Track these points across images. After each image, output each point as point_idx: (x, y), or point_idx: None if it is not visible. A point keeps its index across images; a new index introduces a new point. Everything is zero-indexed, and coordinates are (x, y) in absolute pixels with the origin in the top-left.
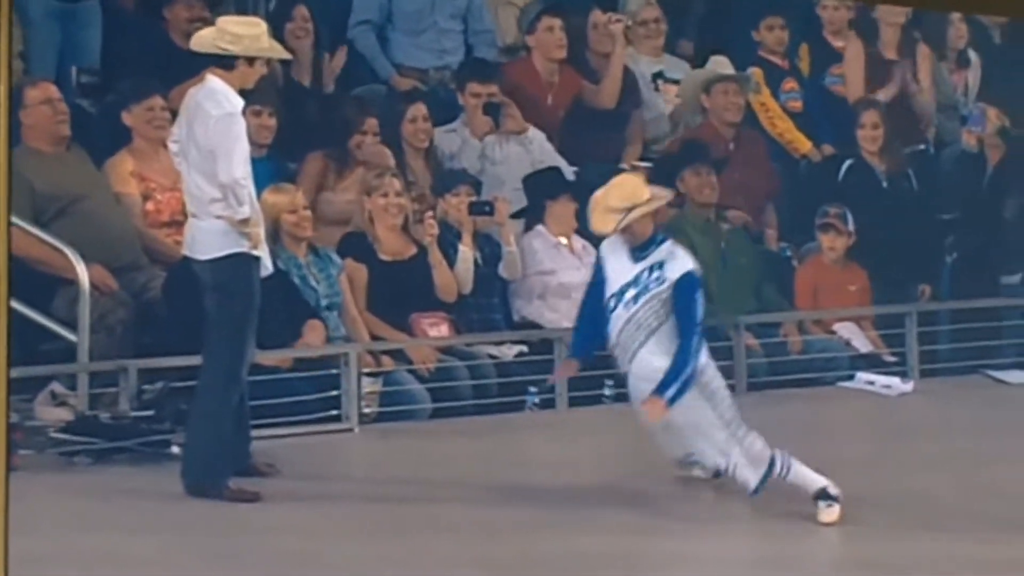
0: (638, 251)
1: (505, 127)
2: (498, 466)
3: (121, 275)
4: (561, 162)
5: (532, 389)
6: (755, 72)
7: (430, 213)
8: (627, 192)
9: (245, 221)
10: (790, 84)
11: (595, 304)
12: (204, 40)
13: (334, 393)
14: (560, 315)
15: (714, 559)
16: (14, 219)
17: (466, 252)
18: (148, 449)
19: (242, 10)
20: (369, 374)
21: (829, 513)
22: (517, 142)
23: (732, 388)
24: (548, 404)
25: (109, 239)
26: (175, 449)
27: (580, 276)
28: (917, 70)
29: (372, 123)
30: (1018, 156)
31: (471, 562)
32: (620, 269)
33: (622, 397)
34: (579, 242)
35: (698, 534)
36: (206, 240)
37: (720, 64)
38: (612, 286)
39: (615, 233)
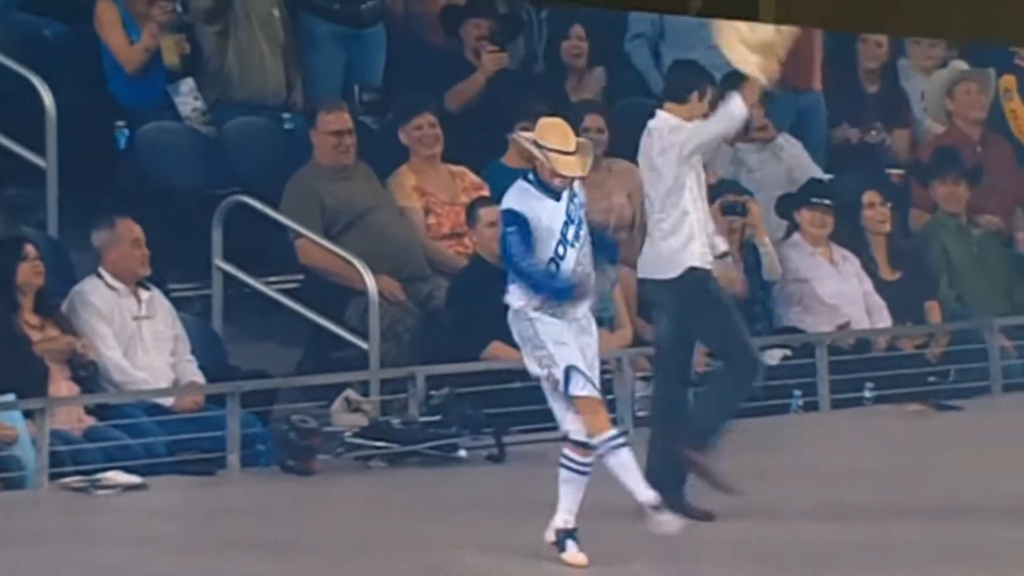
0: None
1: (754, 134)
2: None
3: (407, 285)
4: (816, 170)
5: (796, 392)
6: (1007, 80)
7: None
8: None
9: None
10: None
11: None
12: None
13: (609, 397)
14: (819, 320)
15: None
16: (305, 232)
17: (766, 244)
18: (438, 453)
19: (518, 29)
20: (642, 378)
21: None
22: (770, 150)
23: (988, 389)
24: (811, 406)
25: (395, 251)
26: (462, 453)
27: (837, 284)
28: None
29: (596, 119)
30: None
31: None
32: (550, 214)
33: (883, 399)
34: (838, 252)
35: None
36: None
37: (960, 67)
38: (552, 232)
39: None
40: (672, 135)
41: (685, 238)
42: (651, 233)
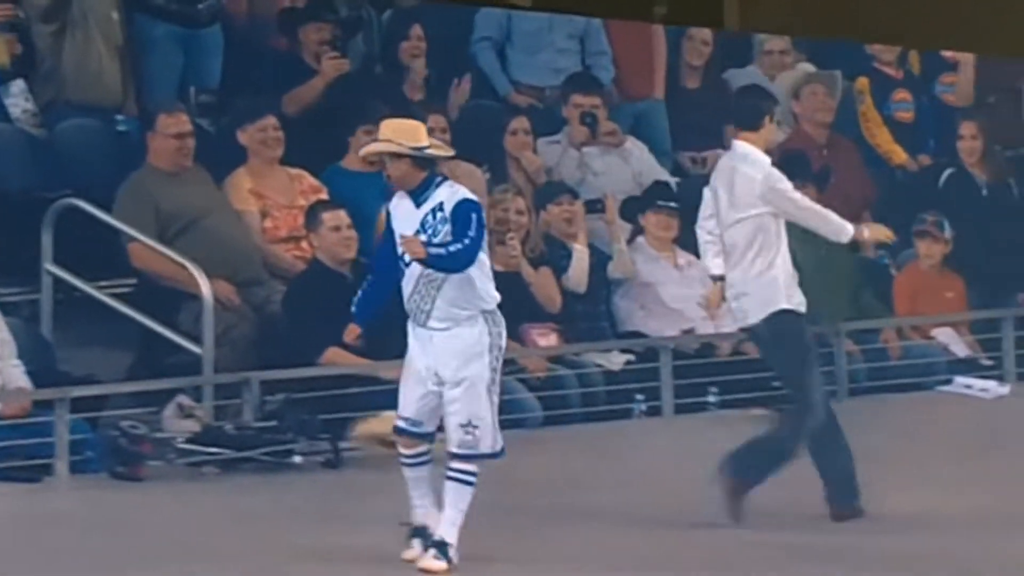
0: (417, 195)
1: (602, 138)
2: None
3: (243, 289)
4: (663, 174)
5: (639, 397)
6: (861, 82)
7: (511, 235)
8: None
9: None
10: (901, 95)
11: (383, 263)
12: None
13: None
14: (663, 324)
15: None
16: (139, 235)
17: (581, 250)
18: (272, 459)
19: (358, 31)
20: None
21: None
22: (617, 154)
23: (834, 393)
24: (654, 411)
25: (231, 255)
26: (297, 459)
27: (681, 289)
28: None
29: (438, 119)
30: None
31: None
32: (406, 217)
33: (727, 404)
34: (683, 256)
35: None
36: None
37: (806, 69)
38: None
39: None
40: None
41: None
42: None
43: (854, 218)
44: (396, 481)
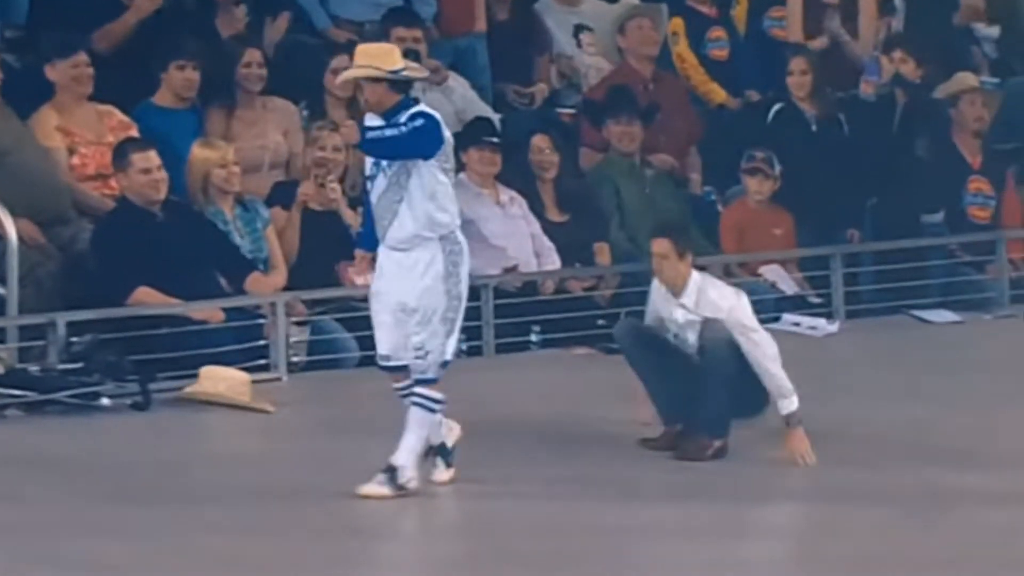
0: (389, 116)
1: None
2: None
3: (48, 228)
4: (486, 110)
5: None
6: (675, 23)
7: (331, 177)
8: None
9: None
10: (716, 33)
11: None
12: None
13: (262, 343)
14: (485, 262)
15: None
16: None
17: None
18: (79, 401)
19: None
20: (297, 323)
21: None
22: (439, 91)
23: None
24: (475, 351)
25: (36, 192)
26: (105, 401)
27: (503, 227)
28: (858, 12)
29: (255, 54)
30: (924, 99)
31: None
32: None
33: (549, 343)
34: (505, 193)
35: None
36: None
37: (631, 2)
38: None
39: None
40: None
41: None
42: None
43: (680, 154)
44: (207, 423)
